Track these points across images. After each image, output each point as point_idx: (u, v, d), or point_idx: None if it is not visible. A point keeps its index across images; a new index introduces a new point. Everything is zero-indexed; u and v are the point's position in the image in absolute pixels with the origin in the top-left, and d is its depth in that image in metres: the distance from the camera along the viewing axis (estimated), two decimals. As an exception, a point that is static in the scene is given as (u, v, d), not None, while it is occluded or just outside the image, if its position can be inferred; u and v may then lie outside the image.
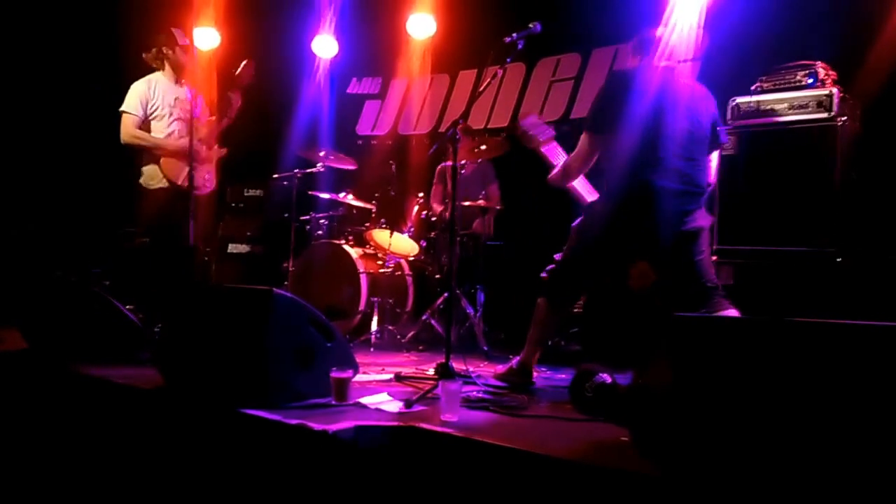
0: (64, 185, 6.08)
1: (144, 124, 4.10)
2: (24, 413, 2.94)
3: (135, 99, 4.09)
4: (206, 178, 4.17)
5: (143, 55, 4.20)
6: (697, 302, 2.85)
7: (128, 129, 4.08)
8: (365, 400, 2.51)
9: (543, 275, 3.11)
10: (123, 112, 4.09)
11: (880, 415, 1.53)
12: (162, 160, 4.07)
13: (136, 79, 4.23)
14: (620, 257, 2.96)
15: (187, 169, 3.89)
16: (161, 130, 4.09)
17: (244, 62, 4.15)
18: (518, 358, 3.15)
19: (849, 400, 1.58)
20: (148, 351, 3.08)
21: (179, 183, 4.02)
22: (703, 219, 2.93)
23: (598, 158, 3.01)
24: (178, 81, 4.18)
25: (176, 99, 4.13)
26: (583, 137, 3.00)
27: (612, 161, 2.94)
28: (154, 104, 4.09)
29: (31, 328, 3.33)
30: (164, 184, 4.08)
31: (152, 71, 4.23)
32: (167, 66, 4.18)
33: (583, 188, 3.17)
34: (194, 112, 3.99)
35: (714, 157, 3.09)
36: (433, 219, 4.75)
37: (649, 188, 2.82)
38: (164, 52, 4.15)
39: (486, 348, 4.15)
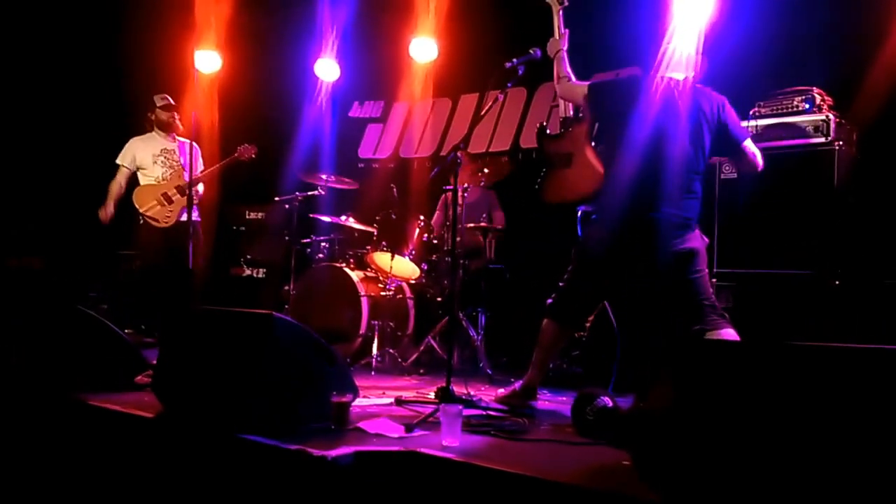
0: (61, 209, 6.11)
1: (135, 175, 4.83)
2: (21, 440, 2.92)
3: (126, 154, 4.86)
4: (169, 216, 4.75)
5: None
6: (695, 320, 2.84)
7: (114, 180, 4.85)
8: (365, 424, 2.49)
9: (549, 300, 3.10)
10: (117, 163, 4.85)
11: (880, 438, 1.53)
12: (136, 192, 4.76)
13: (137, 101, 4.84)
14: (621, 279, 2.96)
15: (157, 206, 4.69)
16: (148, 178, 4.79)
17: (245, 145, 4.84)
18: (521, 381, 3.14)
19: (849, 423, 1.58)
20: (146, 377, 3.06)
21: (144, 212, 4.71)
22: (696, 240, 2.92)
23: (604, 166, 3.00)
24: (168, 136, 4.87)
25: (163, 150, 4.81)
26: (583, 92, 3.02)
27: (611, 179, 2.94)
28: (141, 159, 4.80)
29: (28, 354, 3.31)
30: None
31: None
32: (155, 127, 4.88)
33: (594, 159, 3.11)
34: (183, 161, 4.73)
35: (749, 146, 3.00)
36: (434, 241, 4.76)
37: (647, 212, 2.83)
38: (148, 116, 4.88)
39: (489, 371, 4.13)
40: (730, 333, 2.82)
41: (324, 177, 4.92)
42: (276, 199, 5.30)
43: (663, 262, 2.85)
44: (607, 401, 2.48)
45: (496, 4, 5.63)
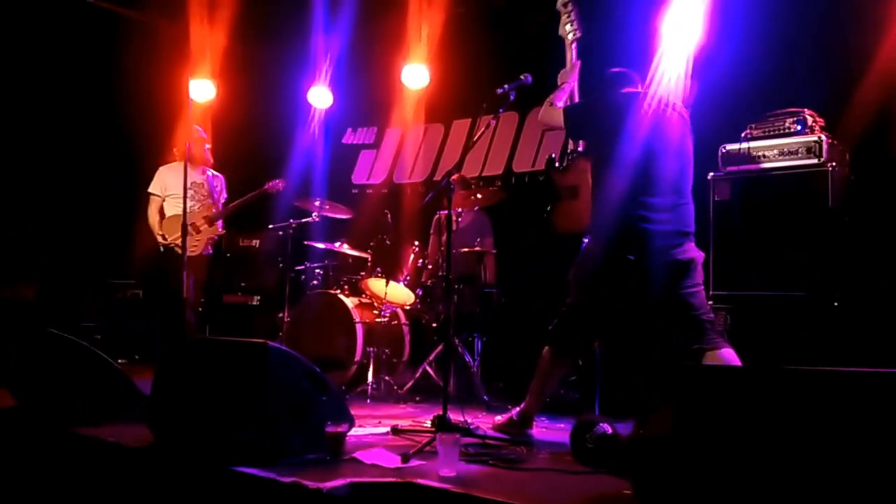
0: (55, 239, 6.08)
1: (165, 202, 4.92)
2: (13, 473, 2.86)
3: (156, 182, 4.94)
4: (196, 245, 4.85)
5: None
6: (693, 338, 2.82)
7: (149, 209, 4.92)
8: (361, 455, 2.46)
9: (550, 327, 3.08)
10: (149, 193, 4.93)
11: (882, 461, 1.51)
12: (164, 223, 4.87)
13: (133, 131, 4.71)
14: (615, 292, 2.95)
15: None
16: (175, 208, 4.79)
17: (276, 181, 5.06)
18: (518, 408, 3.11)
19: (850, 447, 1.57)
20: (139, 407, 3.02)
21: (169, 242, 4.80)
22: (692, 252, 2.92)
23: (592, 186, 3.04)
24: (197, 168, 4.90)
25: (192, 183, 4.77)
26: (563, 119, 3.06)
27: (601, 196, 2.97)
28: (172, 187, 4.84)
29: (19, 385, 3.27)
30: (162, 241, 4.86)
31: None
32: (183, 159, 4.83)
33: None
34: (213, 193, 4.91)
35: None
36: (429, 267, 4.75)
37: (639, 230, 2.83)
38: (179, 148, 4.94)
39: (485, 398, 4.09)
40: (729, 353, 2.80)
41: (317, 203, 4.92)
42: (270, 226, 5.28)
43: (659, 272, 2.83)
44: (607, 428, 2.45)
45: (487, 31, 5.69)
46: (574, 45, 3.25)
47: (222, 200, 4.97)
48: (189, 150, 4.72)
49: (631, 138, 2.89)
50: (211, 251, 4.96)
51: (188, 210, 4.59)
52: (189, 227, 4.53)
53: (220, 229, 4.95)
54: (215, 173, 5.02)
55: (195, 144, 4.82)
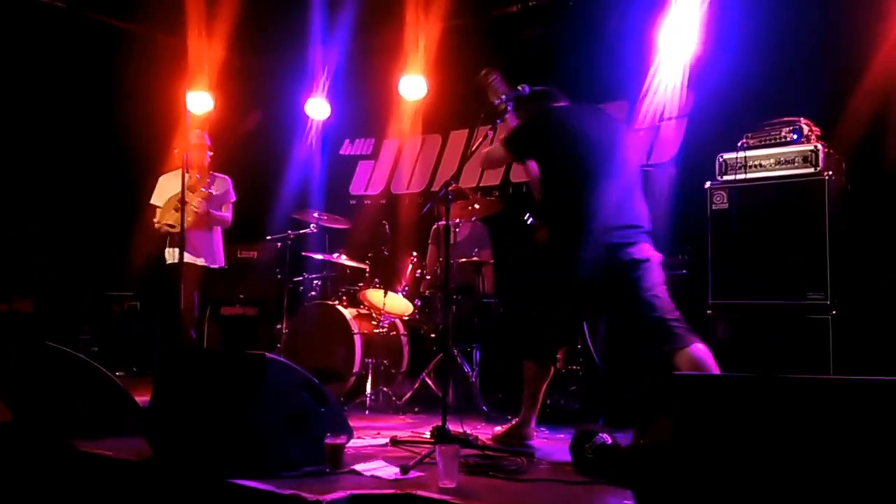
0: (51, 252, 6.07)
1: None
2: (10, 488, 2.84)
3: (157, 193, 4.75)
4: (188, 219, 4.49)
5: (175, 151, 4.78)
6: (661, 340, 2.84)
7: (153, 219, 4.68)
8: (360, 466, 2.45)
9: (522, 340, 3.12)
10: (152, 205, 4.73)
11: (882, 469, 1.51)
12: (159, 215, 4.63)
13: (134, 141, 4.68)
14: (585, 303, 2.99)
15: (173, 212, 4.46)
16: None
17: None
18: (517, 419, 3.10)
19: (850, 455, 1.57)
20: (137, 420, 3.00)
21: (160, 223, 4.58)
22: (648, 251, 2.95)
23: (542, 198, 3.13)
24: (193, 174, 4.61)
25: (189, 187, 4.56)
26: (506, 146, 3.13)
27: (552, 207, 3.07)
28: (169, 195, 4.61)
29: (16, 398, 3.25)
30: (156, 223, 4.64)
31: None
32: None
33: None
34: (210, 198, 4.60)
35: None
36: (427, 277, 4.74)
37: (590, 230, 2.88)
38: (179, 151, 4.63)
39: (484, 408, 4.07)
40: (700, 349, 2.80)
41: (315, 214, 4.92)
42: (268, 237, 5.28)
43: (614, 271, 2.90)
44: (606, 438, 2.45)
45: (484, 42, 5.72)
46: (510, 107, 3.26)
47: (227, 203, 4.78)
48: (187, 157, 4.56)
49: (567, 147, 3.00)
50: (214, 264, 4.75)
51: (189, 219, 4.47)
52: (177, 203, 4.33)
53: (207, 190, 4.58)
54: (222, 176, 4.81)
55: (196, 150, 4.66)
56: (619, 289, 2.92)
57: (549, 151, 3.05)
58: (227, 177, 4.84)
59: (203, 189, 4.52)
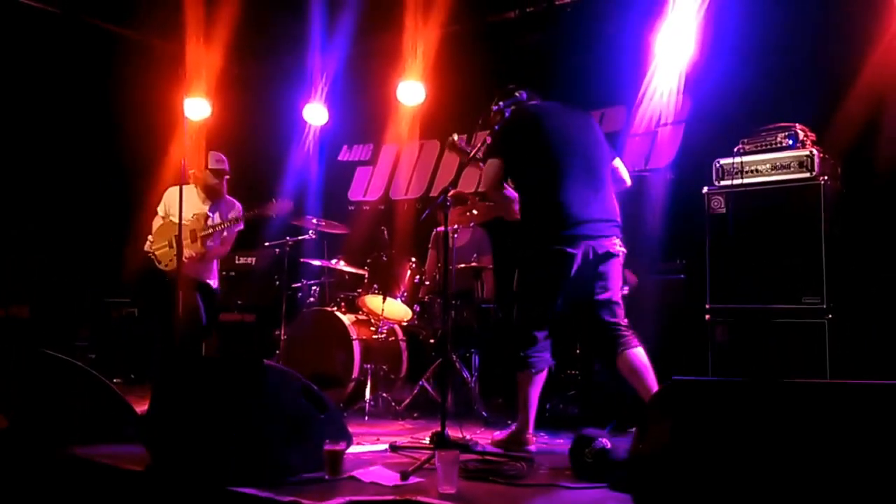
0: (48, 258, 6.06)
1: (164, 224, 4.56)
2: (7, 496, 2.83)
3: (162, 203, 4.59)
4: (172, 261, 4.38)
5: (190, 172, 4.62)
6: (609, 340, 2.99)
7: (152, 229, 4.56)
8: (359, 473, 2.45)
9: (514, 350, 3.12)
10: (157, 212, 4.60)
11: (879, 473, 1.52)
12: (154, 232, 4.53)
13: (131, 148, 4.59)
14: (547, 298, 3.02)
15: (166, 248, 4.42)
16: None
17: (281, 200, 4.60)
18: (514, 425, 3.11)
19: (847, 459, 1.58)
20: (135, 428, 3.00)
21: (149, 250, 4.51)
22: (617, 246, 3.04)
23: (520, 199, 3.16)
24: (205, 200, 4.55)
25: (194, 215, 4.45)
26: (489, 161, 3.13)
27: (527, 205, 3.10)
28: (172, 211, 4.40)
29: (12, 406, 3.24)
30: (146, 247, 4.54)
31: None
32: (197, 185, 4.58)
33: None
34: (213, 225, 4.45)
35: (618, 164, 3.27)
36: (426, 283, 4.75)
37: (570, 225, 2.94)
38: (193, 172, 4.57)
39: (483, 413, 4.07)
40: (639, 353, 2.95)
41: (314, 220, 4.92)
42: (266, 243, 5.28)
43: (589, 265, 2.97)
44: (606, 442, 2.45)
45: (482, 48, 5.74)
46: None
47: (230, 232, 4.55)
48: (206, 180, 4.50)
49: (538, 144, 3.06)
50: (209, 281, 4.59)
51: (188, 240, 4.37)
52: (174, 240, 4.20)
53: (205, 248, 4.44)
54: (231, 201, 4.62)
55: (213, 176, 4.49)
56: (586, 282, 2.99)
57: (521, 150, 3.08)
58: (237, 204, 4.63)
59: (202, 245, 4.40)
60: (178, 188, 4.36)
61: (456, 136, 3.53)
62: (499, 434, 3.17)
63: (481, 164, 3.31)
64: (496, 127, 3.24)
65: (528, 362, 3.03)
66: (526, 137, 3.09)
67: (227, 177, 4.58)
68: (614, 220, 3.07)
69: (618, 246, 3.04)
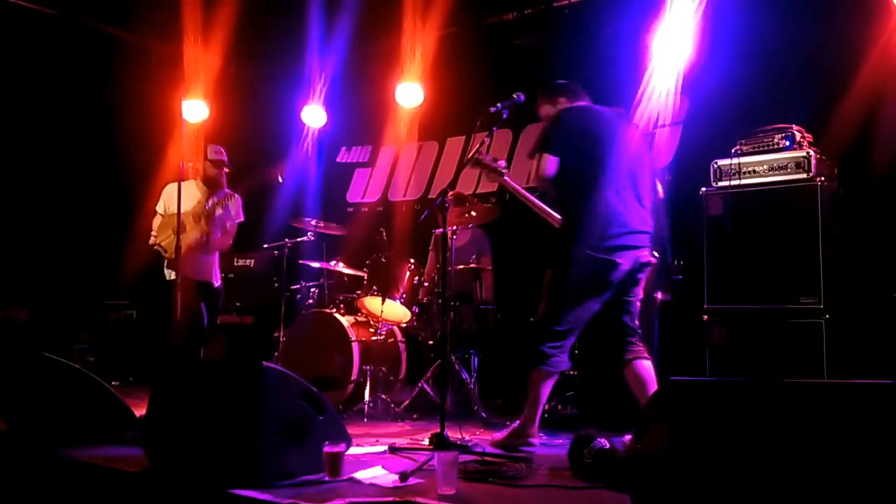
0: (47, 260, 6.06)
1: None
2: (4, 498, 2.83)
3: (161, 200, 4.57)
4: (197, 272, 4.45)
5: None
6: (624, 348, 3.03)
7: (152, 228, 4.54)
8: (359, 475, 2.45)
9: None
10: (156, 210, 4.57)
11: (878, 473, 1.52)
12: (157, 228, 4.49)
13: (129, 150, 4.59)
14: (590, 301, 3.04)
15: (173, 236, 4.22)
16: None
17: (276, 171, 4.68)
18: (519, 420, 3.10)
19: (844, 458, 1.58)
20: (133, 430, 3.00)
21: (154, 242, 4.47)
22: (650, 257, 3.09)
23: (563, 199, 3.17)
24: (205, 192, 4.52)
25: (194, 204, 4.45)
26: (543, 155, 3.11)
27: (574, 207, 3.09)
28: (172, 206, 4.35)
29: (11, 408, 3.24)
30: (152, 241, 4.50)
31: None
32: (197, 178, 4.58)
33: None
34: (216, 218, 4.42)
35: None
36: (425, 284, 4.75)
37: (590, 230, 2.97)
38: (192, 165, 4.58)
39: (483, 414, 4.08)
40: (647, 365, 3.00)
41: (312, 222, 4.92)
42: (265, 245, 5.29)
43: (622, 278, 3.02)
44: (604, 443, 2.46)
45: (480, 50, 5.75)
46: (506, 177, 3.35)
47: (232, 222, 4.57)
48: (205, 171, 4.52)
49: (584, 148, 3.06)
50: (211, 279, 4.60)
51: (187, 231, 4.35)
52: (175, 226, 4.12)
53: (208, 228, 4.41)
54: (230, 193, 4.61)
55: (212, 167, 4.52)
56: (622, 287, 3.03)
57: (568, 151, 3.08)
58: (237, 196, 4.64)
59: (205, 224, 4.39)
60: (176, 184, 4.35)
61: (481, 152, 3.50)
62: (498, 434, 3.18)
63: (506, 179, 3.34)
64: (551, 122, 3.22)
65: (547, 359, 3.02)
66: (581, 139, 3.09)
67: (227, 170, 4.60)
68: (651, 231, 3.12)
69: (650, 256, 3.10)
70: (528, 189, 3.47)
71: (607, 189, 3.01)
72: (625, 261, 2.99)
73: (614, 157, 3.07)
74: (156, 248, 4.49)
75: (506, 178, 3.37)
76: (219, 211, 4.46)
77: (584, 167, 3.06)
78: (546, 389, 3.09)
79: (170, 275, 4.48)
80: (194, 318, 4.33)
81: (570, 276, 3.04)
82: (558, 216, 3.27)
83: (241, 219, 4.64)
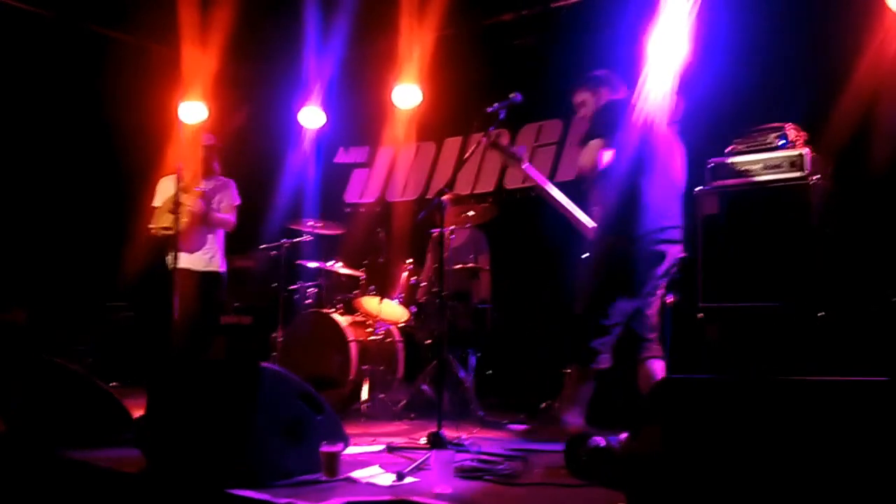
0: (45, 261, 6.06)
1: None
2: (3, 499, 2.84)
3: (157, 195, 4.65)
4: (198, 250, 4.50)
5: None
6: (642, 345, 3.04)
7: (150, 225, 4.58)
8: (356, 474, 2.46)
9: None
10: (153, 207, 4.63)
11: (871, 470, 1.53)
12: (155, 219, 4.54)
13: (126, 151, 4.62)
14: (638, 292, 3.03)
15: (169, 215, 4.31)
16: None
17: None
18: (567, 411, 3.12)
19: (839, 455, 1.59)
20: (131, 431, 3.01)
21: (153, 227, 4.52)
22: (682, 252, 3.13)
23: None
24: (198, 179, 4.56)
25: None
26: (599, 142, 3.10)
27: (617, 194, 3.08)
28: (165, 199, 4.49)
29: (9, 410, 3.25)
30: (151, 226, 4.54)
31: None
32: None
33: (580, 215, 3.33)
34: (212, 201, 4.47)
35: None
36: (423, 284, 4.77)
37: (630, 236, 2.98)
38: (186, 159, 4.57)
39: (480, 413, 4.09)
40: (661, 366, 3.01)
41: (310, 223, 4.94)
42: (263, 246, 5.30)
43: (661, 273, 3.07)
44: (600, 441, 2.47)
45: (477, 51, 5.76)
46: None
47: (229, 203, 4.71)
48: (181, 161, 4.42)
49: (643, 141, 3.06)
50: (224, 268, 4.73)
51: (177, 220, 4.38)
52: (171, 206, 4.20)
53: (203, 194, 4.52)
54: (226, 180, 4.76)
55: (202, 150, 4.62)
56: (651, 286, 3.05)
57: (623, 144, 3.08)
58: (230, 180, 4.78)
59: (196, 189, 4.45)
60: (168, 178, 4.59)
61: (500, 136, 3.48)
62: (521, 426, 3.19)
63: (523, 167, 3.33)
64: (605, 112, 3.23)
65: (597, 355, 2.99)
66: (634, 132, 3.09)
67: (218, 144, 4.69)
68: (681, 226, 3.17)
69: (682, 252, 3.16)
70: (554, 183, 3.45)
71: (656, 182, 3.04)
72: (670, 254, 3.02)
73: (661, 150, 3.10)
74: (156, 232, 4.52)
75: (524, 165, 3.36)
76: (222, 201, 4.55)
77: (636, 159, 3.06)
78: (586, 391, 3.06)
79: (172, 262, 4.41)
80: (193, 313, 4.32)
81: (616, 267, 3.01)
82: (575, 207, 3.26)
83: (238, 201, 4.75)
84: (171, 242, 4.28)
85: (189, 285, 4.44)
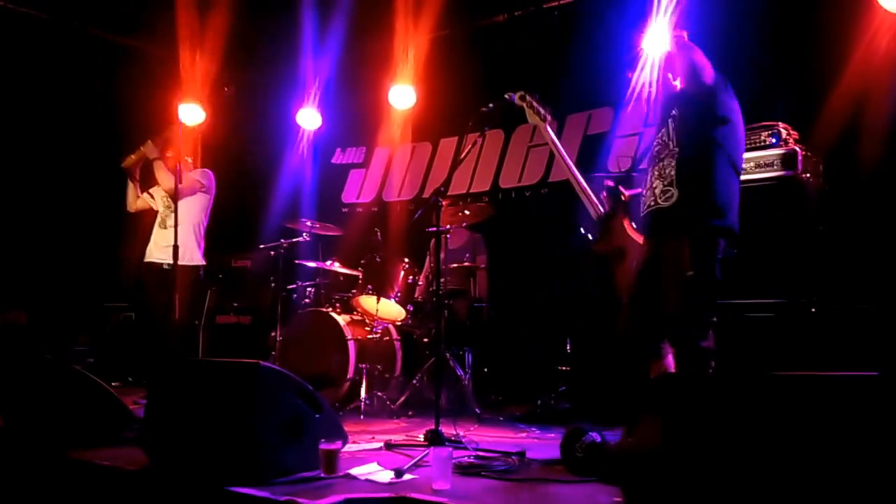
0: (46, 262, 6.07)
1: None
2: (3, 497, 2.86)
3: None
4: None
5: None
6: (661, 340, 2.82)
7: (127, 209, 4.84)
8: (355, 471, 2.48)
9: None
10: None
11: (868, 464, 1.55)
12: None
13: (125, 153, 4.72)
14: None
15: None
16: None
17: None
18: None
19: (834, 451, 1.60)
20: (133, 430, 3.03)
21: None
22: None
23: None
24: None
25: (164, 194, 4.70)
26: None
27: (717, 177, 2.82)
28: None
29: (11, 409, 3.27)
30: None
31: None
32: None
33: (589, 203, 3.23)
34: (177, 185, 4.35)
35: None
36: (420, 283, 4.79)
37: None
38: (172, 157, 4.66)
39: (477, 410, 4.12)
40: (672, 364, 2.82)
41: (308, 223, 4.96)
42: (261, 246, 5.32)
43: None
44: (596, 436, 2.49)
45: (472, 52, 5.79)
46: (548, 125, 3.30)
47: (213, 194, 4.78)
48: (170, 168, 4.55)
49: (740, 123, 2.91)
50: (204, 261, 4.72)
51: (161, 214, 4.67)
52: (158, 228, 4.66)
53: (165, 155, 4.61)
54: (202, 170, 4.83)
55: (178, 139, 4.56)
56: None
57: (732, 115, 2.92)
58: (209, 171, 4.81)
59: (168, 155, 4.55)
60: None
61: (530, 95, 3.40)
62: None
63: (547, 128, 3.26)
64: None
65: (710, 359, 2.68)
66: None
67: (171, 154, 4.61)
68: None
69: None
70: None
71: (737, 171, 2.82)
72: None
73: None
74: (134, 208, 4.73)
75: (547, 126, 3.27)
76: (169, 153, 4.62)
77: (734, 137, 2.86)
78: None
79: (149, 253, 4.64)
80: (169, 309, 4.21)
81: (717, 254, 2.77)
82: (587, 187, 3.14)
83: (206, 189, 4.73)
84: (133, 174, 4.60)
85: (159, 280, 4.46)
